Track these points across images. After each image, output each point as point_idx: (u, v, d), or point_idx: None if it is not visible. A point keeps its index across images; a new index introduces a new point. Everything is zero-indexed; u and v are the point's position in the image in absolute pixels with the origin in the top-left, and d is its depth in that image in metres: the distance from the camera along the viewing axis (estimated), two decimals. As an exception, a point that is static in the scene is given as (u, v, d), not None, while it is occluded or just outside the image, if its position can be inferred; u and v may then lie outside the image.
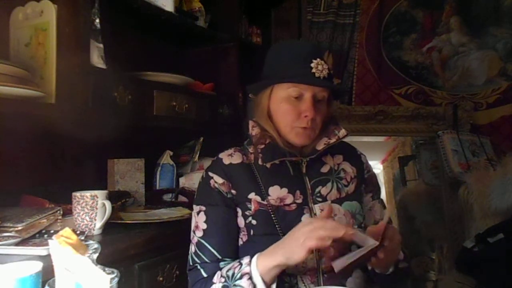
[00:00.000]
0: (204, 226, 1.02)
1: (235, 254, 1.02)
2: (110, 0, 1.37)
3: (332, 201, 1.04)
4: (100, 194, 1.19)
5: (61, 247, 0.59)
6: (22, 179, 1.36)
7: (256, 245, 0.99)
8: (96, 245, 0.67)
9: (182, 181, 1.78)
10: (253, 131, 1.08)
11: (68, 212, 1.21)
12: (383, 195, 1.22)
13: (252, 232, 1.01)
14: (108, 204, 1.19)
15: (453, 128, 2.42)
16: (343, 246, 1.00)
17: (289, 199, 1.02)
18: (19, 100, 1.10)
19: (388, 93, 2.64)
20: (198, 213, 1.04)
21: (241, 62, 2.02)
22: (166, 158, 1.79)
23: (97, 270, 0.56)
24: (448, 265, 2.40)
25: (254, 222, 1.01)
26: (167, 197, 1.71)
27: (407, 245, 1.13)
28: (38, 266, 0.62)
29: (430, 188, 2.60)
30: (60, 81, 1.22)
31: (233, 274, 0.91)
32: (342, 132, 1.08)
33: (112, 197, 1.32)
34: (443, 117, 2.47)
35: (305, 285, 0.98)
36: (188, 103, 1.67)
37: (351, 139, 1.12)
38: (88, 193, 1.17)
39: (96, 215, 1.17)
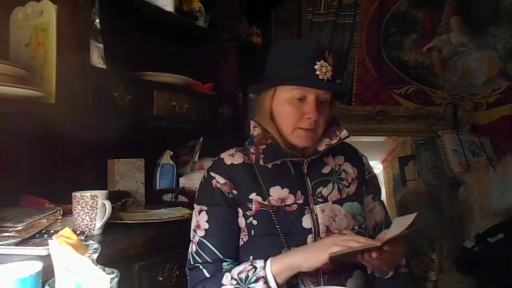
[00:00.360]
0: (206, 225, 1.02)
1: (236, 254, 1.03)
2: (110, 0, 1.37)
3: (333, 202, 1.04)
4: (100, 194, 1.19)
5: (61, 247, 0.59)
6: (22, 179, 1.36)
7: (257, 245, 1.00)
8: (96, 245, 0.67)
9: (182, 181, 1.78)
10: (255, 131, 1.08)
11: (68, 212, 1.21)
12: (383, 195, 1.23)
13: (252, 232, 1.01)
14: (108, 204, 1.19)
15: (453, 128, 2.42)
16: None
17: (290, 200, 1.02)
18: (19, 100, 1.10)
19: (388, 93, 2.64)
20: (199, 212, 1.04)
21: (241, 62, 2.02)
22: (166, 158, 1.78)
23: (97, 270, 0.56)
24: (448, 265, 2.40)
25: (255, 222, 1.01)
26: (167, 197, 1.71)
27: (407, 245, 1.13)
28: (38, 266, 0.62)
29: (430, 188, 2.60)
30: (60, 81, 1.22)
31: (246, 276, 0.92)
32: (344, 133, 1.08)
33: (112, 197, 1.32)
34: (443, 117, 2.47)
35: (305, 286, 0.98)
36: (188, 103, 1.67)
37: (351, 139, 1.12)
38: (88, 193, 1.17)
39: (96, 215, 1.17)
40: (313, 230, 1.00)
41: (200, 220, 1.03)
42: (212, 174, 1.05)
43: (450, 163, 2.31)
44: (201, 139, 1.89)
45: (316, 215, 1.01)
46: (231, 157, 1.08)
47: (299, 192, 1.03)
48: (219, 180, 1.04)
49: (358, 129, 2.51)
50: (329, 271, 0.98)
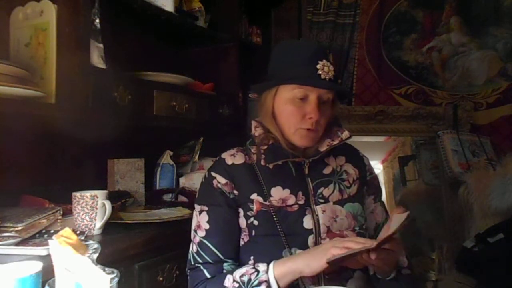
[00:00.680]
0: (207, 226, 1.02)
1: (237, 255, 1.02)
2: (110, 0, 1.37)
3: (334, 203, 1.04)
4: (100, 194, 1.19)
5: (61, 247, 0.59)
6: (22, 179, 1.36)
7: (258, 246, 1.00)
8: (96, 245, 0.67)
9: (182, 181, 1.78)
10: (256, 131, 1.08)
11: (68, 212, 1.21)
12: (383, 195, 1.23)
13: (253, 232, 1.01)
14: (108, 204, 1.19)
15: (453, 128, 2.42)
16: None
17: (291, 200, 1.02)
18: (19, 100, 1.10)
19: (388, 93, 2.64)
20: (200, 212, 1.04)
21: (241, 62, 2.02)
22: (166, 158, 1.78)
23: (97, 270, 0.56)
24: (448, 265, 2.40)
25: (256, 222, 1.01)
26: (167, 197, 1.71)
27: (407, 245, 1.14)
28: (38, 266, 0.62)
29: (430, 188, 2.60)
30: (60, 81, 1.22)
31: (249, 280, 0.92)
32: (345, 134, 1.08)
33: (112, 197, 1.32)
34: (443, 117, 2.47)
35: (305, 286, 0.97)
36: (188, 103, 1.67)
37: (351, 139, 1.12)
38: (88, 193, 1.17)
39: (96, 215, 1.17)
40: (314, 230, 1.00)
41: (200, 220, 1.03)
42: (213, 174, 1.05)
43: (450, 163, 2.31)
44: (201, 139, 1.89)
45: (317, 215, 1.01)
46: (232, 157, 1.07)
47: (300, 193, 1.03)
48: (220, 180, 1.04)
49: (358, 129, 2.51)
50: (329, 272, 0.98)
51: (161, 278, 1.23)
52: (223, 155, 1.09)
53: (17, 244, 0.97)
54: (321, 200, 1.04)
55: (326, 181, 1.06)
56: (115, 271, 0.64)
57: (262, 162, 1.04)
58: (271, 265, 0.93)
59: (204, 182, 1.08)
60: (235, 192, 1.03)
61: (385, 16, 2.65)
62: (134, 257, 1.15)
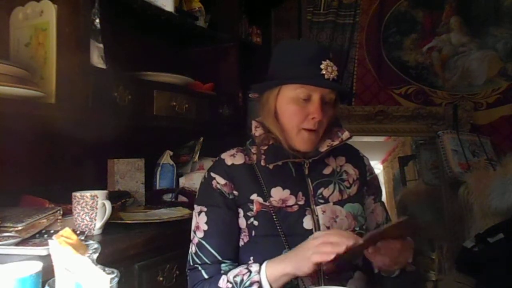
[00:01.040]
0: (205, 227, 1.02)
1: (236, 255, 1.02)
2: (110, 0, 1.37)
3: (334, 203, 1.04)
4: (100, 194, 1.19)
5: (61, 247, 0.59)
6: (22, 179, 1.36)
7: (258, 246, 0.99)
8: (96, 245, 0.67)
9: (182, 181, 1.78)
10: (256, 131, 1.08)
11: (68, 212, 1.21)
12: (383, 195, 1.23)
13: (253, 233, 1.01)
14: (108, 204, 1.19)
15: (453, 128, 2.42)
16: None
17: (291, 201, 1.02)
18: (19, 100, 1.10)
19: (388, 93, 2.64)
20: (199, 213, 1.04)
21: (241, 62, 2.02)
22: (166, 158, 1.79)
23: (97, 270, 0.56)
24: (448, 265, 2.40)
25: (255, 223, 1.00)
26: (167, 197, 1.71)
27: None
28: (38, 266, 0.62)
29: (430, 188, 2.60)
30: (60, 81, 1.22)
31: (241, 280, 0.92)
32: (346, 134, 1.08)
33: (112, 197, 1.32)
34: (443, 117, 2.47)
35: (305, 286, 0.97)
36: (188, 103, 1.67)
37: (351, 139, 1.12)
38: (88, 193, 1.17)
39: (96, 215, 1.17)
40: (314, 231, 0.99)
41: (199, 221, 1.03)
42: (213, 174, 1.05)
43: (450, 163, 2.31)
44: (201, 139, 1.89)
45: (317, 216, 1.01)
46: (232, 158, 1.07)
47: (300, 193, 1.03)
48: (219, 181, 1.04)
49: (358, 129, 2.51)
50: (329, 272, 0.98)
51: (161, 278, 1.23)
52: (223, 156, 1.09)
53: (17, 244, 0.97)
54: (321, 201, 1.03)
55: (326, 181, 1.06)
56: (115, 271, 0.64)
57: (262, 163, 1.04)
58: (263, 266, 0.92)
59: (203, 183, 1.08)
60: (235, 192, 1.03)
61: (385, 16, 2.65)
62: (134, 257, 1.15)
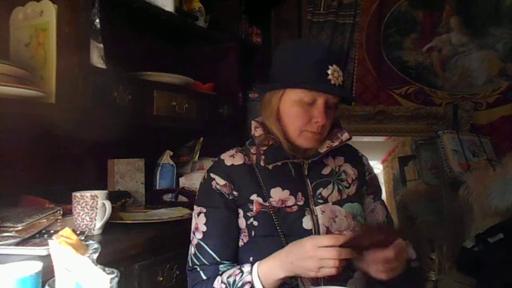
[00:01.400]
0: (204, 228, 1.02)
1: (234, 256, 1.02)
2: (110, 0, 1.37)
3: (333, 203, 1.04)
4: (100, 194, 1.19)
5: (61, 247, 0.59)
6: (22, 179, 1.36)
7: (257, 246, 0.99)
8: (96, 245, 0.67)
9: (182, 181, 1.78)
10: (256, 131, 1.08)
11: (68, 212, 1.21)
12: (383, 195, 1.23)
13: (253, 233, 1.01)
14: (108, 204, 1.19)
15: (453, 128, 2.42)
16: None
17: (291, 201, 1.02)
18: (19, 100, 1.10)
19: (388, 93, 2.64)
20: (198, 214, 1.04)
21: (241, 62, 2.02)
22: (166, 158, 1.79)
23: (97, 270, 0.56)
24: (448, 265, 2.40)
25: (255, 223, 1.00)
26: (167, 197, 1.71)
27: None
28: (38, 266, 0.62)
29: (430, 188, 2.60)
30: (60, 81, 1.22)
31: (234, 281, 0.92)
32: (345, 135, 1.08)
33: (112, 197, 1.32)
34: (443, 117, 2.47)
35: (305, 286, 0.97)
36: (188, 103, 1.67)
37: (351, 139, 1.12)
38: (88, 193, 1.17)
39: (96, 215, 1.17)
40: (313, 231, 1.00)
41: (198, 222, 1.03)
42: (212, 175, 1.05)
43: (450, 163, 2.31)
44: (201, 139, 1.90)
45: (316, 216, 1.01)
46: (232, 158, 1.07)
47: (299, 194, 1.03)
48: (218, 181, 1.04)
49: (358, 129, 2.51)
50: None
51: (161, 278, 1.23)
52: (223, 156, 1.09)
53: (17, 244, 0.97)
54: (320, 201, 1.04)
55: (325, 181, 1.06)
56: (115, 271, 0.64)
57: (262, 163, 1.04)
58: (255, 266, 0.93)
59: (203, 183, 1.08)
60: (234, 193, 1.03)
61: (385, 16, 2.65)
62: (134, 257, 1.15)
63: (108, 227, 1.22)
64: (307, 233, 0.99)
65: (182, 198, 1.68)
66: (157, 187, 1.76)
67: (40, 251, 0.94)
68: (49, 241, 0.61)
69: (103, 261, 0.69)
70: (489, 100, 2.52)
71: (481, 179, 2.13)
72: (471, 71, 2.54)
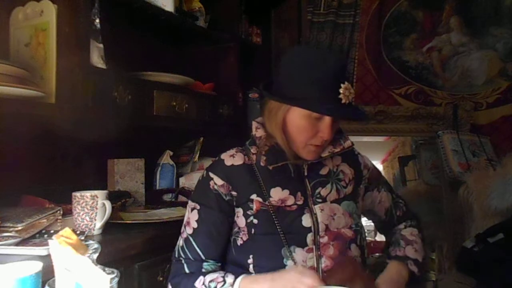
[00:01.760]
0: (195, 225, 1.03)
1: (220, 256, 1.04)
2: (110, 0, 1.37)
3: (331, 202, 1.06)
4: (100, 194, 1.19)
5: (61, 247, 0.59)
6: (22, 179, 1.36)
7: (257, 244, 1.00)
8: (96, 245, 0.67)
9: (182, 181, 1.78)
10: (257, 132, 1.08)
11: (68, 212, 1.21)
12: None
13: (253, 231, 1.01)
14: (108, 204, 1.19)
15: (453, 128, 2.42)
16: (342, 245, 1.01)
17: (290, 201, 1.03)
18: (19, 100, 1.09)
19: (388, 93, 2.64)
20: (192, 210, 1.05)
21: (241, 62, 2.02)
22: (166, 158, 1.79)
23: (97, 270, 0.56)
24: (448, 265, 2.40)
25: (255, 221, 1.01)
26: (167, 197, 1.71)
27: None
28: (38, 266, 0.62)
29: (430, 188, 2.60)
30: (60, 81, 1.21)
31: (215, 287, 0.93)
32: (348, 143, 1.10)
33: (112, 197, 1.32)
34: (443, 117, 2.47)
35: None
36: (188, 103, 1.67)
37: (351, 139, 1.13)
38: (88, 193, 1.17)
39: (96, 215, 1.17)
40: (312, 228, 1.01)
41: (191, 218, 1.05)
42: (211, 174, 1.05)
43: (450, 163, 2.31)
44: (201, 139, 1.90)
45: (315, 214, 1.02)
46: (232, 158, 1.07)
47: (299, 193, 1.04)
48: (217, 181, 1.04)
49: (358, 129, 2.51)
50: (328, 270, 0.98)
51: (161, 278, 1.23)
52: (223, 156, 1.09)
53: (17, 244, 0.97)
54: (319, 200, 1.05)
55: (323, 181, 1.07)
56: (115, 271, 0.64)
57: (262, 163, 1.05)
58: (238, 280, 0.93)
59: (201, 181, 1.08)
60: (233, 193, 1.04)
61: (385, 16, 2.65)
62: (134, 257, 1.15)
63: (108, 227, 1.22)
64: (306, 230, 1.00)
65: (182, 198, 1.68)
66: (157, 187, 1.76)
67: (40, 251, 0.93)
68: (49, 241, 0.61)
69: (103, 261, 0.69)
70: (489, 100, 2.52)
71: (481, 179, 2.13)
72: (471, 71, 2.54)
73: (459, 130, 2.41)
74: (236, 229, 1.05)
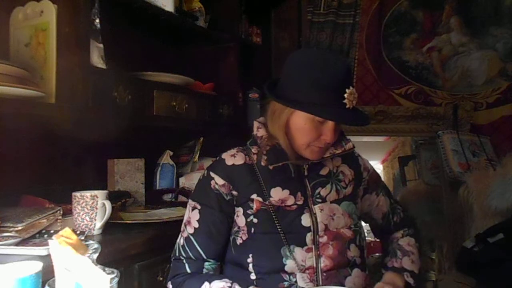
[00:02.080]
0: (196, 224, 1.03)
1: (220, 255, 1.05)
2: (110, 0, 1.37)
3: (331, 202, 1.06)
4: (100, 194, 1.19)
5: (61, 247, 0.59)
6: (22, 179, 1.36)
7: (257, 243, 1.01)
8: (96, 245, 0.67)
9: (182, 181, 1.78)
10: (259, 132, 1.08)
11: (68, 212, 1.21)
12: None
13: (253, 230, 1.01)
14: (108, 204, 1.19)
15: (453, 128, 2.42)
16: (342, 245, 1.01)
17: (290, 201, 1.03)
18: (19, 100, 1.09)
19: (388, 93, 2.64)
20: (192, 209, 1.06)
21: (241, 62, 2.02)
22: (166, 158, 1.79)
23: (97, 270, 0.56)
24: (448, 265, 2.40)
25: (255, 220, 1.02)
26: (167, 197, 1.71)
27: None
28: (38, 266, 0.62)
29: (430, 188, 2.60)
30: (60, 81, 1.21)
31: None
32: (349, 145, 1.10)
33: (112, 197, 1.32)
34: (443, 117, 2.47)
35: (304, 284, 0.98)
36: (188, 103, 1.67)
37: (351, 139, 1.13)
38: (88, 193, 1.17)
39: (96, 215, 1.17)
40: (312, 228, 1.01)
41: (191, 217, 1.05)
42: (212, 174, 1.06)
43: (450, 163, 2.31)
44: (201, 139, 1.90)
45: (315, 214, 1.03)
46: (233, 158, 1.08)
47: (299, 193, 1.04)
48: (218, 181, 1.04)
49: (358, 129, 2.49)
50: (327, 269, 0.99)
51: (161, 278, 1.23)
52: (223, 155, 1.09)
53: (17, 244, 0.97)
54: (319, 200, 1.05)
55: (323, 181, 1.07)
56: (115, 271, 0.64)
57: (263, 163, 1.05)
58: None
59: (202, 180, 1.08)
60: (234, 192, 1.04)
61: (385, 16, 2.65)
62: (134, 257, 1.15)
63: (108, 227, 1.22)
64: (306, 230, 1.00)
65: (182, 198, 1.68)
66: (157, 187, 1.76)
67: (40, 251, 0.93)
68: (49, 241, 0.61)
69: (103, 261, 0.69)
70: (489, 100, 2.52)
71: (481, 179, 2.13)
72: (471, 71, 2.54)
73: (459, 130, 2.41)
74: (235, 229, 1.05)
